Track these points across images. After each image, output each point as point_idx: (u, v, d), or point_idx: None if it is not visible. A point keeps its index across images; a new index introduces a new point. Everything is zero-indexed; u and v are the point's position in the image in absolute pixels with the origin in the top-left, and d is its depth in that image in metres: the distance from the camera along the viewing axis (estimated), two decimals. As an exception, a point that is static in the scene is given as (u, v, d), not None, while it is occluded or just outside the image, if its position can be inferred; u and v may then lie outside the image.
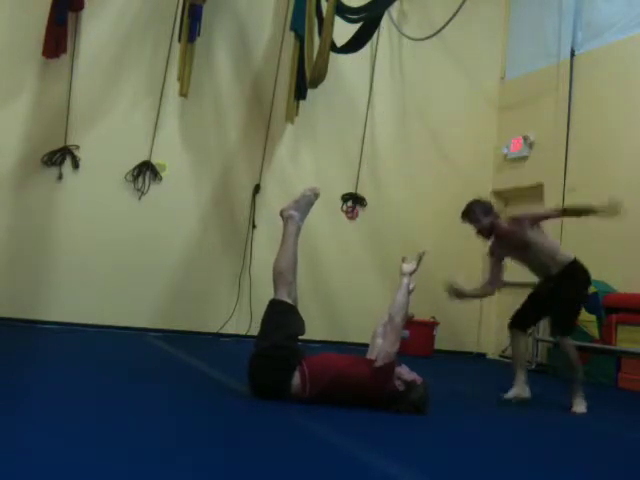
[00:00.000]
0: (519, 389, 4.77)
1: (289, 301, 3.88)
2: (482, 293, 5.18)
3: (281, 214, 4.16)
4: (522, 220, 4.76)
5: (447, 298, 4.94)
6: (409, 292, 3.95)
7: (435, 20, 8.03)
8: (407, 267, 4.02)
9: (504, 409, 4.57)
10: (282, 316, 3.82)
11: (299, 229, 4.11)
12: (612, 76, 7.67)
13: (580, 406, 4.58)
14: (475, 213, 4.80)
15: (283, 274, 3.93)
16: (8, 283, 6.88)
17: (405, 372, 3.77)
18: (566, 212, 4.87)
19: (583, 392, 4.65)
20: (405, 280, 3.95)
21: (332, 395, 3.61)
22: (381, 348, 3.73)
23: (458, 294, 4.89)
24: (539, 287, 4.95)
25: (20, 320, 6.77)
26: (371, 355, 3.92)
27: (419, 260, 4.06)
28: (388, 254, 8.46)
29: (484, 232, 4.83)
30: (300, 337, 3.87)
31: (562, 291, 4.68)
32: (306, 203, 4.16)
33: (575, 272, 4.74)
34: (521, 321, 4.92)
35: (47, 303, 7.07)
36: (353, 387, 3.64)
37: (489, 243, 5.02)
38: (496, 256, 4.93)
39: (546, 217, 4.90)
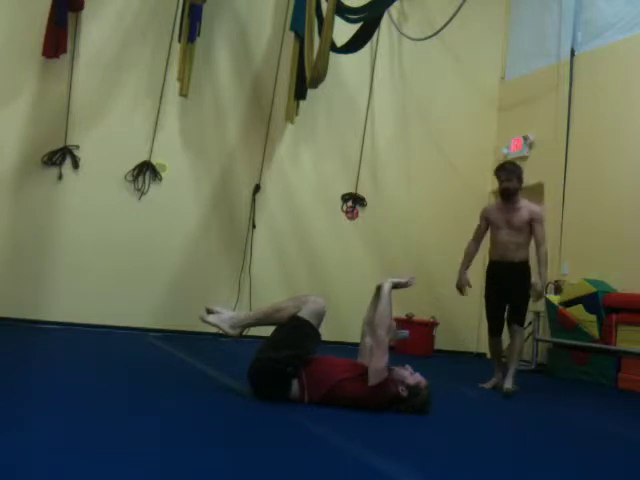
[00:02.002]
0: (497, 380, 5.38)
1: (312, 321, 3.83)
2: (472, 256, 5.61)
3: (227, 334, 4.07)
4: (537, 213, 5.31)
5: (460, 295, 5.54)
6: (390, 299, 3.86)
7: (435, 20, 8.04)
8: (394, 279, 3.96)
9: (504, 409, 4.57)
10: (300, 337, 3.77)
11: (242, 316, 4.13)
12: (612, 76, 7.67)
13: (509, 383, 5.17)
14: (515, 173, 5.30)
15: (298, 299, 3.96)
16: (8, 283, 6.88)
17: (408, 375, 3.75)
18: (541, 257, 5.27)
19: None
20: (386, 286, 3.88)
21: (331, 402, 3.63)
22: (371, 366, 3.67)
23: (465, 282, 5.45)
24: (494, 286, 5.41)
25: (20, 320, 6.78)
26: (364, 358, 3.91)
27: (406, 284, 3.97)
28: (388, 254, 8.48)
29: (507, 192, 5.29)
30: None
31: (522, 284, 5.30)
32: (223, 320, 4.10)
33: (528, 270, 5.35)
34: (499, 328, 5.44)
35: (47, 303, 7.07)
36: (351, 400, 3.65)
37: (487, 207, 5.71)
38: (490, 221, 5.45)
39: (537, 238, 5.30)
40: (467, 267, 5.56)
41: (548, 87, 8.46)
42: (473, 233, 5.65)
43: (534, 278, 5.32)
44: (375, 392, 3.64)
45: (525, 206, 5.34)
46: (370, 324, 3.94)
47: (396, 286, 3.98)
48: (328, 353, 3.98)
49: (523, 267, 5.33)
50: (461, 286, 5.47)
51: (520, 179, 5.33)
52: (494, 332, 5.45)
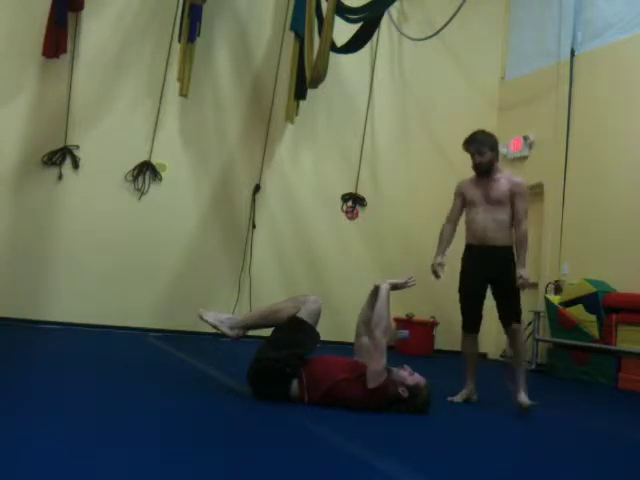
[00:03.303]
0: (469, 392, 4.56)
1: (310, 321, 3.86)
2: (448, 240, 4.87)
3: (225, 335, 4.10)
4: (519, 185, 4.53)
5: (436, 279, 4.80)
6: (387, 301, 3.88)
7: (435, 20, 8.04)
8: (392, 281, 3.99)
9: (504, 409, 4.57)
10: (300, 337, 3.79)
11: (240, 319, 4.17)
12: (612, 76, 7.67)
13: (526, 397, 4.30)
14: (482, 144, 4.54)
15: (297, 302, 3.97)
16: (8, 283, 6.88)
17: (407, 376, 3.75)
18: (521, 237, 4.47)
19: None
20: (383, 288, 3.90)
21: (331, 402, 3.63)
22: (369, 369, 3.68)
23: (440, 267, 4.70)
24: (473, 275, 4.61)
25: (20, 320, 6.78)
26: (362, 357, 3.91)
27: (405, 284, 4.03)
28: (388, 254, 8.47)
29: (482, 167, 4.55)
30: None
31: (509, 276, 4.41)
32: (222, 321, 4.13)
33: (514, 257, 4.50)
34: (477, 323, 4.64)
35: (47, 303, 7.07)
36: (350, 401, 3.65)
37: (462, 182, 4.84)
38: (466, 198, 4.68)
39: (518, 214, 4.49)
40: (443, 252, 4.80)
41: (548, 87, 8.46)
42: (447, 214, 4.88)
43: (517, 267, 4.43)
44: (374, 394, 3.64)
45: (505, 176, 4.58)
46: (366, 324, 3.96)
47: (395, 287, 3.99)
48: (328, 353, 3.98)
49: (507, 254, 4.48)
50: (434, 269, 4.72)
51: (494, 149, 4.57)
52: (470, 328, 4.61)
